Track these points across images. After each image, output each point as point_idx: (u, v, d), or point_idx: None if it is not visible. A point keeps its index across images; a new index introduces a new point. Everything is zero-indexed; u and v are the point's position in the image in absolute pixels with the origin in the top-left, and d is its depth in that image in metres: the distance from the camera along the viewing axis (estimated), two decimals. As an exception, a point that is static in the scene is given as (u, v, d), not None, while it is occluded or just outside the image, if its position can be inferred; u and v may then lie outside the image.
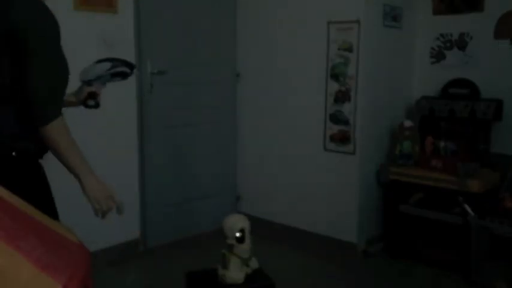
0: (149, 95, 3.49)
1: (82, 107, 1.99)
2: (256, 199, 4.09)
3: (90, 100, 1.93)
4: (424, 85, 3.78)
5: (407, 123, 3.50)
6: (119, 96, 3.36)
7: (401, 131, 3.50)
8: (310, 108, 3.65)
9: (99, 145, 3.26)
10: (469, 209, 3.03)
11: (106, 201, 1.68)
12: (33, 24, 1.56)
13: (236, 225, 2.27)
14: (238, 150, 4.16)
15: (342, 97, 3.47)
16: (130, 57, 3.40)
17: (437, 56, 3.75)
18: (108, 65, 1.92)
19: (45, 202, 1.66)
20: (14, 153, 1.60)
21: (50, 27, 1.62)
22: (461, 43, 3.62)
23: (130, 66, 1.96)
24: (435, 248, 3.30)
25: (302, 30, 3.64)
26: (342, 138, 3.50)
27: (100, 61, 1.93)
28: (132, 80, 3.42)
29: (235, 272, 2.25)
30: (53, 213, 1.71)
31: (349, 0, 3.40)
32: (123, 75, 1.97)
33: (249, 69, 4.02)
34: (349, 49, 3.40)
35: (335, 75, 3.49)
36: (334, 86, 3.50)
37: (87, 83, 1.91)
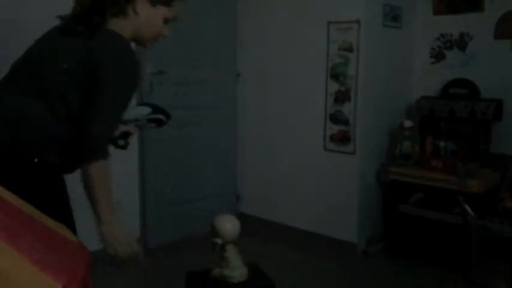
0: (149, 95, 3.49)
1: None
2: (256, 199, 4.09)
3: (121, 140, 1.87)
4: (424, 85, 3.78)
5: (407, 123, 3.50)
6: (119, 96, 3.36)
7: (401, 131, 3.50)
8: (310, 108, 3.65)
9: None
10: (469, 209, 3.03)
11: (123, 246, 1.63)
12: (110, 63, 1.55)
13: (236, 229, 2.26)
14: (238, 150, 4.16)
15: (342, 97, 3.47)
16: (131, 57, 3.40)
17: (437, 56, 3.75)
18: (148, 110, 1.91)
19: (60, 212, 1.64)
20: (36, 160, 1.59)
21: (127, 69, 1.61)
22: (461, 43, 3.62)
23: (168, 115, 1.95)
24: (435, 248, 3.30)
25: (302, 30, 3.64)
26: (342, 138, 3.50)
27: (142, 104, 1.94)
28: (132, 80, 3.42)
29: (236, 271, 2.25)
30: (69, 223, 1.69)
31: (349, 0, 3.40)
32: (159, 123, 1.95)
33: (249, 69, 4.02)
34: (349, 49, 3.40)
35: (335, 75, 3.49)
36: (334, 86, 3.50)
37: (123, 121, 1.87)
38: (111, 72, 1.55)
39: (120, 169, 3.38)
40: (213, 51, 3.87)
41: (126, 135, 1.88)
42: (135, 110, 1.90)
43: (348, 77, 3.43)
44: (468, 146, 3.35)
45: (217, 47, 3.91)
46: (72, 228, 1.69)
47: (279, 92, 3.83)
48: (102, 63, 1.54)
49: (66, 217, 1.72)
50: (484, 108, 3.31)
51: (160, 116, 1.93)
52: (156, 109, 1.93)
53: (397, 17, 3.60)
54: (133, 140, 1.96)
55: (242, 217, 2.77)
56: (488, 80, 3.46)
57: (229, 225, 2.25)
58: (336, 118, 3.52)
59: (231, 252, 2.26)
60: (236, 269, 2.25)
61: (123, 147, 1.89)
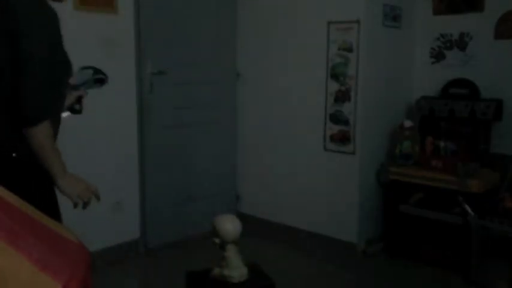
0: (149, 95, 3.49)
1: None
2: (256, 199, 4.09)
3: (76, 104, 1.99)
4: (424, 85, 3.78)
5: (407, 123, 3.50)
6: (119, 96, 3.36)
7: (401, 131, 3.50)
8: (310, 108, 3.65)
9: (99, 145, 3.27)
10: (469, 209, 3.03)
11: (83, 193, 1.72)
12: (29, 24, 1.58)
13: (237, 229, 2.26)
14: (238, 150, 4.16)
15: (342, 97, 3.47)
16: (130, 57, 3.41)
17: (437, 56, 3.75)
18: (91, 71, 2.01)
19: (47, 204, 1.67)
20: (14, 155, 1.61)
21: (48, 28, 1.65)
22: (461, 43, 3.62)
23: (105, 74, 2.06)
24: (435, 248, 3.30)
25: (302, 30, 3.64)
26: (342, 138, 3.50)
27: (83, 68, 2.01)
28: (132, 80, 3.42)
29: (236, 271, 2.25)
30: (55, 216, 1.72)
31: (349, 0, 3.40)
32: (101, 82, 2.06)
33: (249, 69, 4.02)
34: (349, 49, 3.40)
35: (335, 75, 3.49)
36: (334, 86, 3.50)
37: (74, 87, 1.94)
38: (30, 34, 1.57)
39: (120, 169, 3.40)
40: (213, 51, 3.87)
41: (79, 99, 1.99)
42: (82, 74, 2.00)
43: (348, 77, 3.43)
44: (468, 146, 3.36)
45: (217, 47, 3.91)
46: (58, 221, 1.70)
47: (279, 92, 3.83)
48: (19, 28, 1.55)
49: (53, 211, 1.74)
50: (484, 108, 3.31)
51: (102, 76, 2.05)
52: (95, 70, 2.03)
53: (397, 17, 3.60)
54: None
55: (242, 217, 2.77)
56: (488, 80, 3.46)
57: (229, 225, 2.25)
58: (336, 118, 3.52)
59: (231, 252, 2.26)
60: (236, 269, 2.25)
61: (79, 112, 2.01)
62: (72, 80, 1.98)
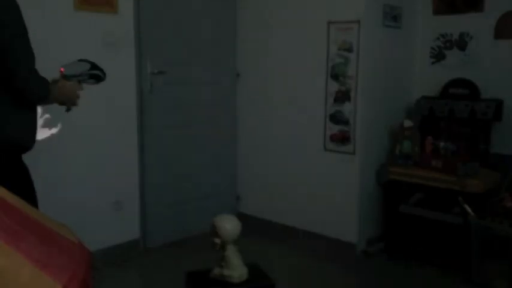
0: (149, 95, 3.49)
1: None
2: (256, 199, 4.09)
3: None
4: (424, 85, 3.78)
5: (407, 123, 3.50)
6: (119, 96, 3.36)
7: (401, 131, 3.50)
8: (310, 108, 3.65)
9: (100, 145, 3.27)
10: (469, 209, 3.03)
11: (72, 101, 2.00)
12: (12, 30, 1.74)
13: (237, 229, 2.27)
14: (238, 150, 4.16)
15: (342, 97, 3.47)
16: (130, 57, 3.41)
17: (437, 56, 3.75)
18: (88, 65, 2.02)
19: (25, 190, 1.76)
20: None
21: (12, 11, 1.77)
22: (461, 43, 3.62)
23: (103, 72, 2.08)
24: (435, 248, 3.30)
25: (302, 30, 3.64)
26: (342, 138, 3.50)
27: (81, 60, 2.04)
28: (132, 80, 3.42)
29: (236, 271, 2.25)
30: (32, 201, 1.81)
31: (349, 0, 3.40)
32: (97, 79, 2.07)
33: (249, 69, 4.02)
34: (349, 49, 3.40)
35: (335, 75, 3.49)
36: (334, 86, 3.50)
37: (67, 77, 1.95)
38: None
39: (120, 169, 3.40)
40: (213, 51, 3.87)
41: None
42: (78, 66, 2.01)
43: (348, 77, 3.43)
44: (468, 146, 3.35)
45: (217, 47, 3.91)
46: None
47: (279, 92, 3.83)
48: None
49: (30, 197, 1.81)
50: (484, 108, 3.31)
51: (99, 72, 2.06)
52: (94, 66, 2.05)
53: (397, 17, 3.60)
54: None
55: (242, 217, 2.77)
56: (488, 80, 3.46)
57: (229, 225, 2.25)
58: (336, 118, 3.52)
59: (231, 252, 2.26)
60: (236, 269, 2.26)
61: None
62: (66, 70, 1.98)
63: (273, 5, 3.81)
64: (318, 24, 3.53)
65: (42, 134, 2.50)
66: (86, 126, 3.17)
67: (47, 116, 2.42)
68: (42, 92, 1.83)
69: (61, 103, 2.00)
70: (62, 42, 2.94)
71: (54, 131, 2.96)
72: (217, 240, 2.24)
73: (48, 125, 1.99)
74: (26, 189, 1.82)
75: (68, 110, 2.04)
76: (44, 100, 1.86)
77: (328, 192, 3.60)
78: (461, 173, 3.14)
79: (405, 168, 3.42)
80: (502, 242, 2.94)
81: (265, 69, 3.90)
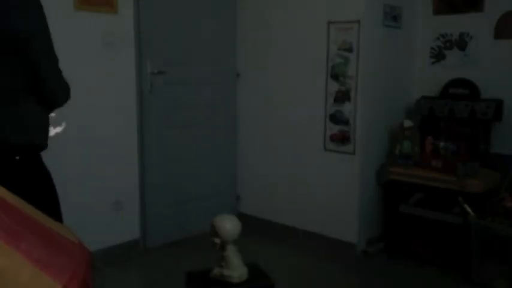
0: (149, 95, 3.49)
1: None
2: (256, 199, 4.09)
3: None
4: (424, 85, 3.78)
5: (407, 123, 3.50)
6: (119, 96, 3.36)
7: (401, 131, 3.50)
8: (310, 108, 3.65)
9: (100, 145, 3.27)
10: (469, 209, 3.03)
11: None
12: (32, 27, 1.67)
13: (237, 229, 2.27)
14: (238, 150, 4.16)
15: (342, 97, 3.47)
16: (130, 57, 3.41)
17: (437, 56, 3.75)
18: None
19: (50, 204, 1.73)
20: (17, 158, 1.69)
21: (43, 22, 1.73)
22: (461, 43, 3.62)
23: None
24: (435, 248, 3.30)
25: (302, 30, 3.64)
26: (342, 138, 3.50)
27: None
28: (132, 80, 3.42)
29: (236, 271, 2.25)
30: (57, 215, 1.76)
31: (349, 0, 3.40)
32: None
33: (249, 69, 4.02)
34: (349, 49, 3.40)
35: (335, 75, 3.49)
36: (334, 86, 3.50)
37: None
38: (36, 36, 1.69)
39: (120, 169, 3.40)
40: (213, 51, 3.87)
41: None
42: None
43: (348, 77, 3.43)
44: (468, 146, 3.35)
45: (217, 47, 3.91)
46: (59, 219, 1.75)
47: (278, 92, 3.83)
48: (23, 31, 1.65)
49: (56, 213, 1.79)
50: (484, 108, 3.32)
51: None
52: None
53: (397, 17, 3.60)
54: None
55: (242, 217, 2.77)
56: (488, 80, 3.46)
57: (229, 225, 2.25)
58: (336, 118, 3.52)
59: (231, 252, 2.26)
60: (236, 269, 2.25)
61: None
62: None
63: (273, 5, 3.81)
64: (318, 24, 3.53)
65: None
66: (85, 126, 3.17)
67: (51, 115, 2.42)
68: (65, 99, 1.85)
69: None
70: (62, 42, 2.93)
71: (58, 130, 2.97)
72: (217, 240, 2.24)
73: (51, 124, 2.00)
74: (47, 194, 1.81)
75: None
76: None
77: (328, 192, 3.60)
78: (461, 173, 3.14)
79: (405, 168, 3.42)
80: (502, 242, 2.94)
81: (265, 69, 3.90)
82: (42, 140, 1.80)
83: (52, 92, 1.76)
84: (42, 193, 1.74)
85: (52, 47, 1.77)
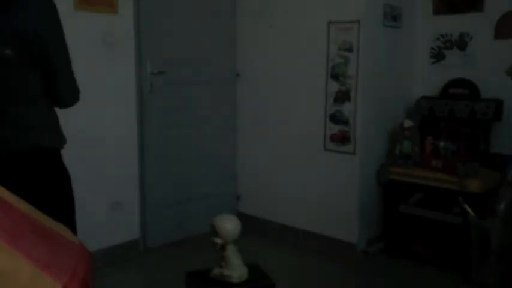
0: (149, 95, 3.49)
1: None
2: (256, 199, 4.09)
3: None
4: (424, 85, 3.78)
5: (407, 123, 3.50)
6: (119, 96, 3.36)
7: (401, 131, 3.50)
8: (310, 108, 3.65)
9: (99, 145, 3.27)
10: (469, 209, 3.03)
11: None
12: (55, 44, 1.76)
13: (236, 228, 2.27)
14: (238, 150, 4.16)
15: (342, 97, 3.47)
16: (130, 57, 3.41)
17: (437, 56, 3.75)
18: None
19: (68, 194, 1.79)
20: (39, 157, 1.74)
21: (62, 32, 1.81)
22: (461, 43, 3.62)
23: None
24: (435, 248, 3.30)
25: (302, 30, 3.64)
26: (342, 138, 3.50)
27: None
28: (132, 80, 3.42)
29: (236, 271, 2.25)
30: (71, 206, 1.83)
31: (349, 0, 3.40)
32: None
33: (249, 69, 4.02)
34: (349, 49, 3.40)
35: (335, 75, 3.49)
36: (334, 86, 3.50)
37: None
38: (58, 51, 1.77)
39: (120, 169, 3.40)
40: (213, 51, 3.87)
41: None
42: None
43: (348, 77, 3.43)
44: (468, 146, 3.35)
45: (217, 47, 3.91)
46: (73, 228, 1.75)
47: (278, 92, 3.83)
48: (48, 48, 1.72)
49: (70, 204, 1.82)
50: (484, 108, 3.31)
51: None
52: None
53: (397, 17, 3.60)
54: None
55: (242, 217, 2.77)
56: (488, 80, 3.46)
57: (229, 225, 2.25)
58: (336, 118, 3.52)
59: (231, 252, 2.26)
60: (236, 269, 2.25)
61: None
62: None
63: (272, 5, 3.81)
64: (318, 24, 3.53)
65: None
66: (85, 126, 3.16)
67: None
68: (75, 101, 1.90)
69: None
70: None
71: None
72: (218, 241, 2.24)
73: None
74: (65, 196, 1.83)
75: None
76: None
77: (328, 192, 3.60)
78: (461, 173, 3.14)
79: (405, 168, 3.42)
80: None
81: (265, 69, 3.90)
82: (63, 140, 1.83)
83: (64, 93, 1.82)
84: (58, 195, 1.76)
85: (66, 49, 1.81)
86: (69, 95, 1.84)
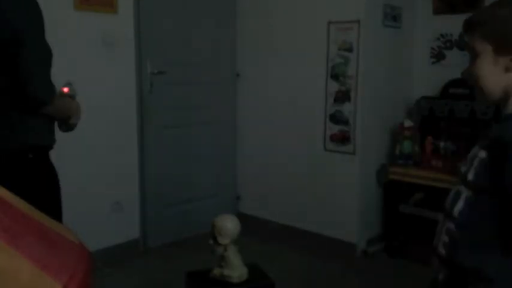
0: (149, 95, 3.49)
1: None
2: (256, 199, 4.09)
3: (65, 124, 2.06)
4: (424, 85, 3.77)
5: (407, 123, 3.50)
6: (119, 96, 3.36)
7: (401, 131, 3.50)
8: (310, 108, 3.65)
9: (99, 145, 3.27)
10: (469, 209, 3.03)
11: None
12: (24, 23, 1.65)
13: (237, 228, 2.27)
14: (238, 150, 4.16)
15: (342, 97, 3.47)
16: (130, 57, 3.41)
17: (437, 56, 3.75)
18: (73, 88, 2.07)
19: (53, 202, 1.76)
20: (30, 156, 1.73)
21: (36, 17, 1.71)
22: (461, 43, 3.62)
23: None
24: (435, 248, 3.30)
25: (302, 30, 3.64)
26: (342, 138, 3.50)
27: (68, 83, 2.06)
28: (132, 80, 3.42)
29: (236, 271, 2.26)
30: (57, 212, 1.80)
31: (349, 0, 3.40)
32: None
33: (249, 69, 4.02)
34: (349, 49, 3.40)
35: (335, 75, 3.49)
36: (334, 86, 3.50)
37: (72, 97, 2.00)
38: (26, 30, 1.66)
39: (120, 169, 3.40)
40: (213, 51, 3.88)
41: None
42: (73, 86, 2.05)
43: (348, 77, 3.43)
44: (468, 146, 3.34)
45: (217, 47, 3.91)
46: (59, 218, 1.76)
47: (278, 92, 3.83)
48: (14, 30, 1.63)
49: (56, 210, 1.80)
50: (484, 108, 3.31)
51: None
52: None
53: (397, 17, 3.60)
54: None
55: (242, 217, 2.77)
56: (488, 80, 3.45)
57: (229, 224, 2.26)
58: (336, 118, 3.52)
59: (231, 252, 2.26)
60: (236, 269, 2.26)
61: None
62: (71, 91, 2.02)
63: (272, 5, 3.81)
64: (318, 24, 3.53)
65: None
66: (85, 126, 3.16)
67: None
68: (47, 100, 1.76)
69: (62, 119, 1.97)
70: (62, 42, 2.94)
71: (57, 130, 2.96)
72: (222, 240, 2.24)
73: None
74: (50, 195, 1.82)
75: (68, 129, 2.01)
76: (44, 109, 1.78)
77: (328, 192, 3.60)
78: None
79: (405, 168, 3.42)
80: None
81: (265, 69, 3.90)
82: (45, 140, 1.81)
83: (34, 92, 1.69)
84: (44, 191, 1.75)
85: (44, 44, 1.73)
86: (43, 87, 1.71)
